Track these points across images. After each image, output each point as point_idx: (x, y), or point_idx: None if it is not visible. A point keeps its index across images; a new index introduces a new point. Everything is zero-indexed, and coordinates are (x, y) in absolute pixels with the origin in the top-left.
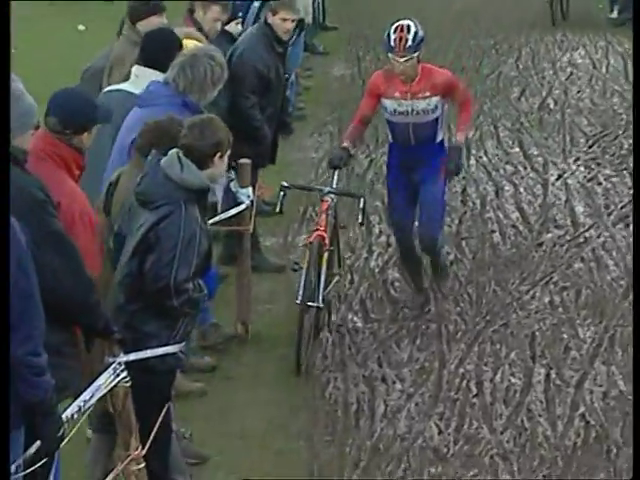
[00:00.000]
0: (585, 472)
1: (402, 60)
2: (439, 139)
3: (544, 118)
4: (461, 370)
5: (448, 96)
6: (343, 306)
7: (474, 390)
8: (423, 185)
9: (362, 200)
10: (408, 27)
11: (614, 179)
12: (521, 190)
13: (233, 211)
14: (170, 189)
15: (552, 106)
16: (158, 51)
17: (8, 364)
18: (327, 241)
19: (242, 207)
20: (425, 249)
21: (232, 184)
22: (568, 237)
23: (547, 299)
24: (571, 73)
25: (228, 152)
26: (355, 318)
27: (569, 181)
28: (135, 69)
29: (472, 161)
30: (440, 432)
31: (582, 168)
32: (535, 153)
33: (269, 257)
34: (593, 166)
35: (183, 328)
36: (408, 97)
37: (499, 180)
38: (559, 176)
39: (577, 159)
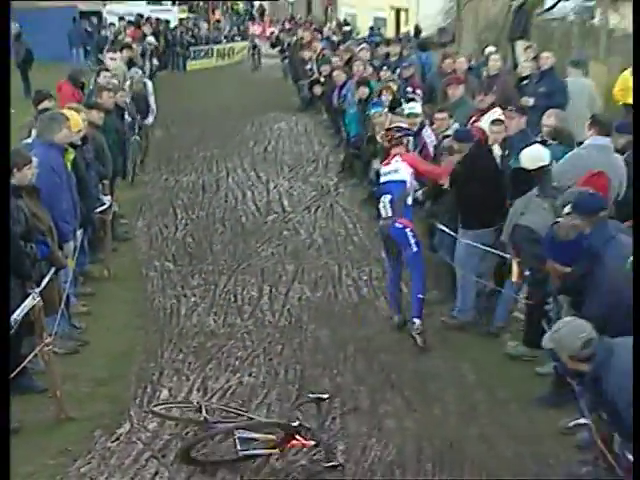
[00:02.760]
0: (288, 339)
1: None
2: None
3: (267, 156)
4: (226, 289)
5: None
6: (162, 258)
7: (232, 299)
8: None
9: None
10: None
11: (303, 187)
12: (256, 194)
13: (100, 209)
14: None
15: (270, 150)
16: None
17: (8, 364)
18: None
19: (105, 206)
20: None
21: (100, 195)
22: (280, 218)
23: (270, 251)
24: (279, 133)
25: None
26: (169, 264)
27: (280, 189)
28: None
29: (230, 180)
30: (215, 322)
31: (286, 182)
32: (262, 175)
33: (121, 232)
34: (292, 181)
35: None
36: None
37: (244, 189)
38: (275, 186)
39: (284, 177)
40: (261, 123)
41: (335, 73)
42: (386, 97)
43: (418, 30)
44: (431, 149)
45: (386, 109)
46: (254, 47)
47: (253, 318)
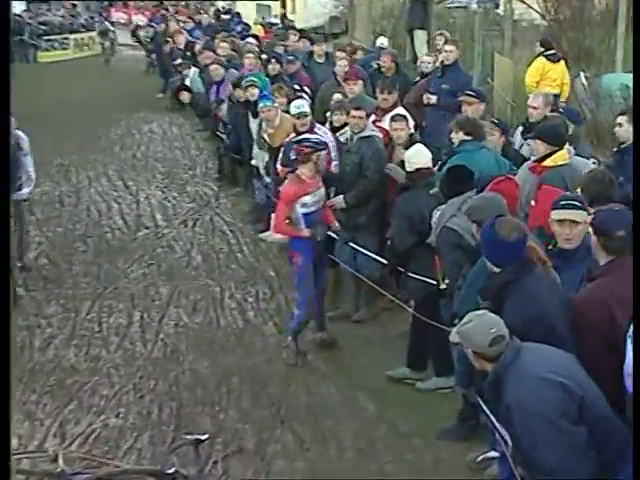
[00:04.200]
0: (162, 372)
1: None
2: None
3: (136, 163)
4: (88, 317)
5: None
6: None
7: (97, 328)
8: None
9: None
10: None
11: (178, 198)
12: (123, 206)
13: None
14: None
15: (139, 156)
16: None
17: (8, 363)
18: None
19: None
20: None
21: None
22: (152, 234)
23: (141, 271)
24: (150, 136)
25: None
26: (19, 289)
27: (152, 200)
28: None
29: (92, 190)
30: (76, 355)
31: (159, 192)
32: (131, 184)
33: None
34: (165, 191)
35: None
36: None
37: (109, 201)
38: (146, 197)
39: (157, 186)
40: (128, 124)
41: (212, 67)
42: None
43: (285, 18)
44: (332, 151)
45: (276, 103)
46: (105, 33)
47: (121, 350)
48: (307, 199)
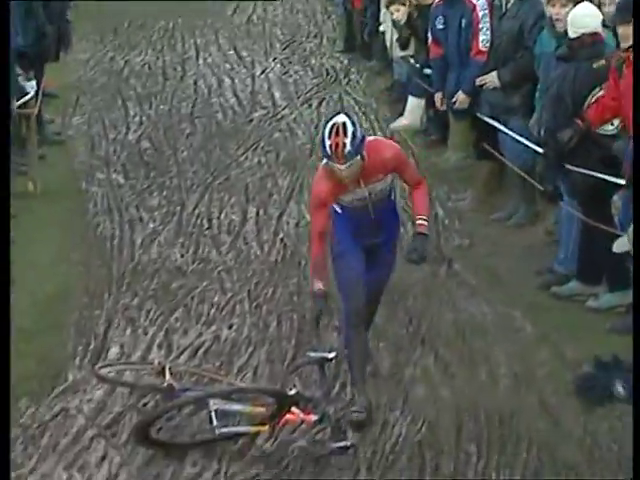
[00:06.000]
0: (281, 279)
1: (344, 167)
2: (393, 205)
3: (251, 29)
4: (196, 212)
5: (397, 172)
6: (108, 169)
7: (206, 225)
8: (380, 249)
9: None
10: (344, 127)
11: (301, 73)
12: (237, 82)
13: (22, 100)
14: None
15: (255, 20)
16: None
17: (8, 364)
18: None
19: (28, 97)
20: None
21: (20, 78)
22: (270, 115)
23: (256, 159)
24: None
25: None
26: (118, 177)
27: (270, 74)
28: None
29: (200, 61)
30: (182, 256)
31: (279, 65)
32: (245, 54)
33: (50, 132)
34: (286, 63)
35: None
36: (362, 185)
37: (220, 74)
38: (263, 71)
39: (275, 58)
40: None
41: None
42: None
43: None
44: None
45: None
46: None
47: (234, 251)
48: None
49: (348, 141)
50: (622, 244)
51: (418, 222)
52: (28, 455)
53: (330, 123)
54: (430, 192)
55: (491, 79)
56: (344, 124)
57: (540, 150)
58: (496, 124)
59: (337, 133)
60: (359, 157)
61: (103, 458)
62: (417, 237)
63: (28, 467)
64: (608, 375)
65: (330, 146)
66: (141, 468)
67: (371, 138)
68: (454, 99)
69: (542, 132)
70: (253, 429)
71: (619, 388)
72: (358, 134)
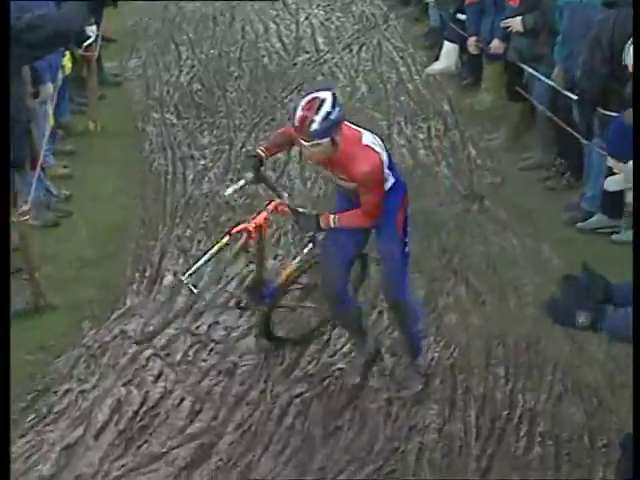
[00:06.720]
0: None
1: (306, 145)
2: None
3: None
4: (244, 150)
5: (358, 189)
6: (162, 109)
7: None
8: (378, 238)
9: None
10: (320, 104)
11: (342, 19)
12: (282, 27)
13: (85, 43)
14: None
15: None
16: None
17: (8, 364)
18: None
19: (90, 40)
20: (389, 307)
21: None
22: (313, 59)
23: None
24: None
25: None
26: (171, 116)
27: (313, 20)
28: None
29: (248, 7)
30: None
31: (321, 12)
32: (290, 1)
33: (109, 74)
34: (328, 10)
35: None
36: (331, 174)
37: (266, 20)
38: (306, 17)
39: (318, 5)
40: None
41: None
42: None
43: None
44: None
45: None
46: None
47: (279, 187)
48: None
49: (318, 119)
50: (614, 182)
51: (326, 213)
52: (90, 372)
53: (311, 95)
54: (464, 132)
55: (516, 24)
56: (322, 101)
57: (570, 95)
58: (527, 68)
59: (310, 107)
60: (328, 140)
61: (159, 376)
62: (309, 216)
63: (90, 383)
64: (571, 302)
65: (299, 117)
66: (194, 385)
67: (366, 140)
68: (490, 45)
69: (578, 74)
70: None
71: (581, 319)
72: (333, 117)
